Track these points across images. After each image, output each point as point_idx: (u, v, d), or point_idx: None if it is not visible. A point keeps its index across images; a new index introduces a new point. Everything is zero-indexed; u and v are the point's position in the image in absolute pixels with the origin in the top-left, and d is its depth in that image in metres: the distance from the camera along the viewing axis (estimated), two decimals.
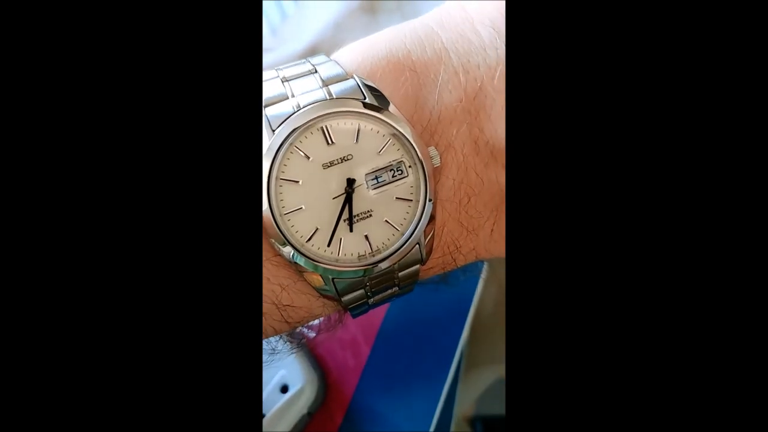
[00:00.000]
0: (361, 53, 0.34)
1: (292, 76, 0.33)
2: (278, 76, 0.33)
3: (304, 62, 0.34)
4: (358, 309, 0.34)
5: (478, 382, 0.59)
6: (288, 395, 0.53)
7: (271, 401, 0.53)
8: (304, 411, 0.54)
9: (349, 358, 0.56)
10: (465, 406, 0.58)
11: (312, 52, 0.64)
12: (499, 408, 0.59)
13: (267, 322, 0.32)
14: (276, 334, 0.34)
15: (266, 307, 0.32)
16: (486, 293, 0.57)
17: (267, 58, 0.62)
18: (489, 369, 0.59)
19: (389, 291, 0.34)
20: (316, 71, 0.33)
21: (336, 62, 0.34)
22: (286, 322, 0.33)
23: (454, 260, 0.34)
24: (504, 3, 0.33)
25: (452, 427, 0.55)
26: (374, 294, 0.33)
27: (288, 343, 0.38)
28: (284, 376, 0.54)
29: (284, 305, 0.32)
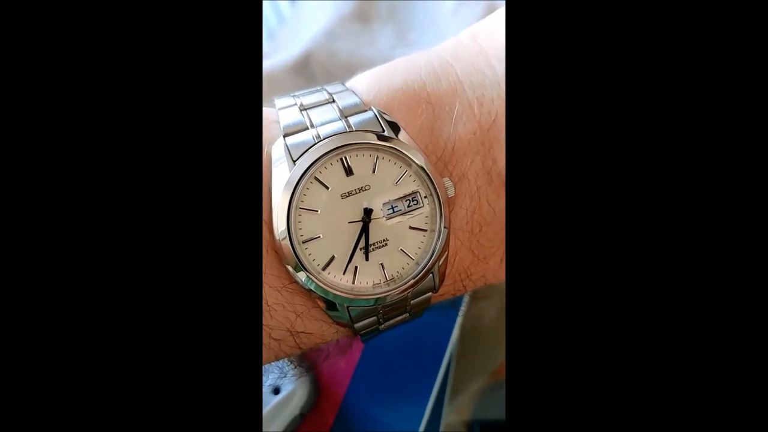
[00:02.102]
0: (377, 82, 0.35)
1: (309, 104, 0.33)
2: (296, 104, 0.33)
3: (320, 90, 0.34)
4: (369, 335, 0.34)
5: (468, 385, 0.60)
6: (280, 396, 0.54)
7: (264, 402, 0.54)
8: (296, 412, 0.54)
9: (340, 359, 0.57)
10: (455, 407, 0.59)
11: (306, 58, 0.64)
12: (496, 412, 0.60)
13: (280, 348, 0.32)
14: (285, 355, 0.34)
15: (281, 334, 0.32)
16: (475, 299, 0.58)
17: (264, 64, 0.62)
18: (478, 372, 0.60)
19: (400, 317, 0.34)
20: (333, 100, 0.33)
21: (353, 91, 0.34)
22: (299, 347, 0.33)
23: (464, 287, 0.35)
24: None
25: (441, 428, 0.57)
26: (386, 320, 0.34)
27: (297, 367, 0.39)
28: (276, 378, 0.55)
29: (298, 332, 0.32)
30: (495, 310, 0.60)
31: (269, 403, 0.54)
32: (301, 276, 0.30)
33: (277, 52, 0.65)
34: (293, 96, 0.34)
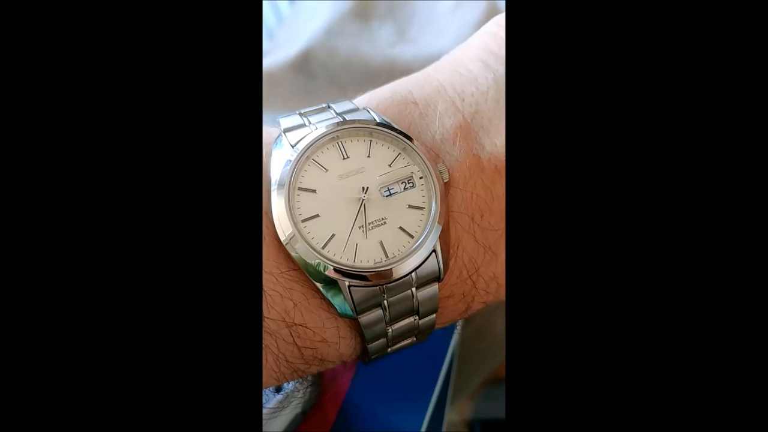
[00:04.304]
0: (369, 96, 0.38)
1: (308, 111, 0.37)
2: (296, 113, 0.36)
3: (318, 104, 0.38)
4: (374, 338, 0.34)
5: (470, 383, 0.60)
6: (281, 394, 0.53)
7: (265, 400, 0.53)
8: (298, 410, 0.54)
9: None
10: (458, 404, 0.59)
11: (305, 56, 0.65)
12: (497, 411, 0.60)
13: (276, 344, 0.32)
14: (287, 363, 0.33)
15: (276, 325, 0.31)
16: None
17: (263, 62, 0.62)
18: (480, 371, 0.60)
19: (409, 320, 0.35)
20: (330, 107, 0.37)
21: (348, 100, 0.37)
22: (296, 344, 0.32)
23: (475, 285, 0.35)
24: (488, 42, 0.38)
25: (444, 426, 0.56)
26: (393, 320, 0.34)
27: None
28: None
29: (296, 324, 0.32)
30: (497, 309, 0.60)
31: (270, 400, 0.53)
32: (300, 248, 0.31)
33: (276, 50, 0.66)
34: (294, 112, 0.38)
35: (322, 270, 0.31)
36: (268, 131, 0.37)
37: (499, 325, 0.60)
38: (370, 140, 0.34)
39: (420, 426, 0.54)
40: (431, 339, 0.56)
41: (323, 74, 0.65)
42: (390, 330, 0.34)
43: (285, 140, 0.34)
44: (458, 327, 0.56)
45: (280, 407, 0.49)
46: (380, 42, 0.66)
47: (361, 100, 0.38)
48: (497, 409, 0.60)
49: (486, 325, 0.60)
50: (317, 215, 0.32)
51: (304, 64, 0.65)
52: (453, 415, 0.59)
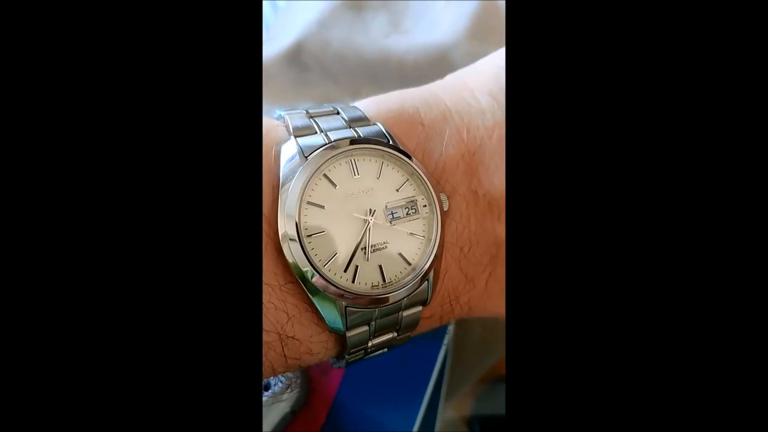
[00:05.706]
0: (376, 104, 0.38)
1: (316, 113, 0.36)
2: (302, 110, 0.36)
3: (325, 105, 0.37)
4: (356, 353, 0.36)
5: (465, 381, 0.60)
6: (270, 393, 0.53)
7: None
8: (287, 409, 0.54)
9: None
10: (457, 401, 0.59)
11: (297, 48, 0.64)
12: (496, 408, 0.60)
13: (265, 352, 0.32)
14: (272, 371, 0.34)
15: (269, 336, 0.32)
16: None
17: None
18: (476, 369, 0.61)
19: (388, 336, 0.36)
20: (338, 112, 0.36)
21: (356, 107, 0.37)
22: (284, 355, 0.33)
23: (452, 309, 0.37)
24: (500, 76, 0.38)
25: (440, 425, 0.56)
26: (377, 331, 0.35)
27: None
28: None
29: (287, 336, 0.33)
30: None
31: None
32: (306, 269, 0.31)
33: (269, 42, 0.65)
34: (299, 108, 0.37)
35: (309, 278, 0.31)
36: (266, 122, 0.36)
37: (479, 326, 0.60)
38: (382, 162, 0.34)
39: (412, 425, 0.54)
40: (423, 338, 0.56)
41: (316, 66, 0.65)
42: (370, 343, 0.36)
43: (295, 145, 0.33)
44: (450, 327, 0.56)
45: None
46: (374, 33, 0.66)
47: (366, 106, 0.38)
48: (497, 406, 0.60)
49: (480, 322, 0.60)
50: (323, 231, 0.32)
51: (296, 56, 0.64)
52: (452, 412, 0.59)
